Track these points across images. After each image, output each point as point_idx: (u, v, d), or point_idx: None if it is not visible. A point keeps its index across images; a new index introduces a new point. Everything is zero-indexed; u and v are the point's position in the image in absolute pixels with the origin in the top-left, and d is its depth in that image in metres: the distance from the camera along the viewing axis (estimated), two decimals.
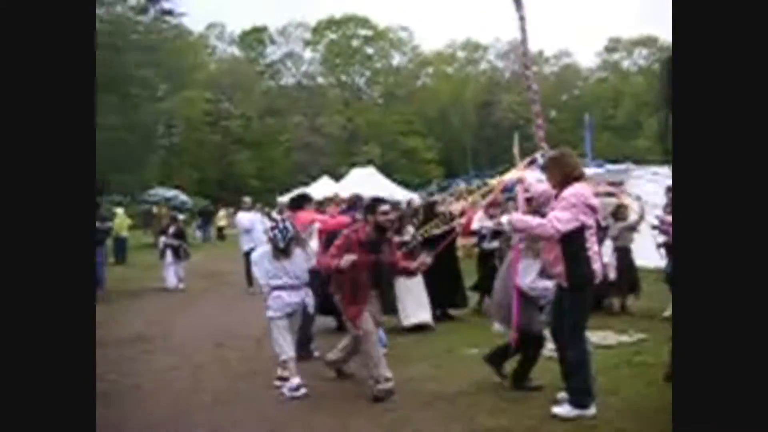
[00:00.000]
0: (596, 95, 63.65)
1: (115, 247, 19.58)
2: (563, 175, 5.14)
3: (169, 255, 14.24)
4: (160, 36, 53.43)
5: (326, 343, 7.33)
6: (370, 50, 66.26)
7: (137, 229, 25.91)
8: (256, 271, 6.55)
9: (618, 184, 12.26)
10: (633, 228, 9.54)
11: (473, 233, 10.23)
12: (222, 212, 31.77)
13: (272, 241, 6.23)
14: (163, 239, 14.79)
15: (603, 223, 8.02)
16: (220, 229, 30.59)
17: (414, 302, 8.66)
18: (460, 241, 12.48)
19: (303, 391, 6.00)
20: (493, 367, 6.04)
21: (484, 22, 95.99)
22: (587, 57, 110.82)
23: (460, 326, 9.06)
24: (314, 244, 7.62)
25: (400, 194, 24.50)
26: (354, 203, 9.56)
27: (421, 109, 61.82)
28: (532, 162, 6.21)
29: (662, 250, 8.72)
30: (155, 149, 52.87)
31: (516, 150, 6.26)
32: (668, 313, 8.40)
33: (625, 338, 7.70)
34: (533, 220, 5.08)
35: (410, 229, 9.12)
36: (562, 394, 5.26)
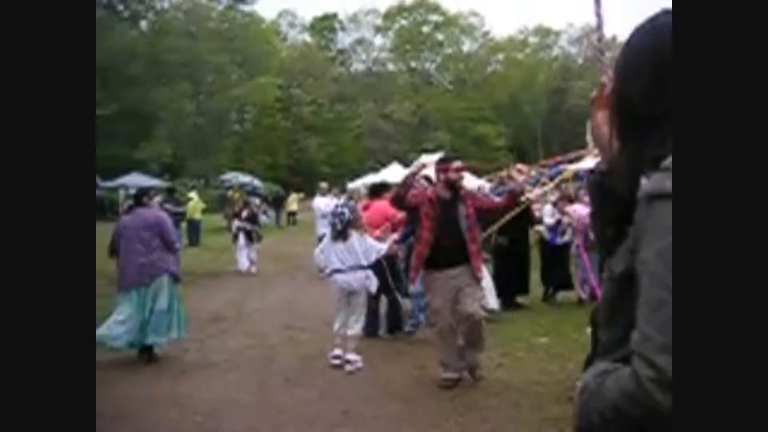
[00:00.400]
0: None
1: (189, 229, 20.13)
2: None
3: (241, 238, 14.54)
4: (234, 23, 54.67)
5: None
6: (440, 36, 65.77)
7: (211, 212, 26.54)
8: (318, 255, 6.81)
9: None
10: None
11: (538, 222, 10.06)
12: (293, 197, 32.13)
13: (332, 225, 6.55)
14: (236, 223, 15.13)
15: None
16: (291, 214, 30.96)
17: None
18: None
19: (351, 367, 6.39)
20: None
21: (556, 7, 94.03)
22: None
23: (527, 314, 9.00)
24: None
25: (470, 181, 24.28)
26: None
27: (492, 96, 61.07)
28: None
29: None
30: (228, 135, 54.22)
31: (589, 137, 6.14)
32: None
33: None
34: None
35: None
36: None
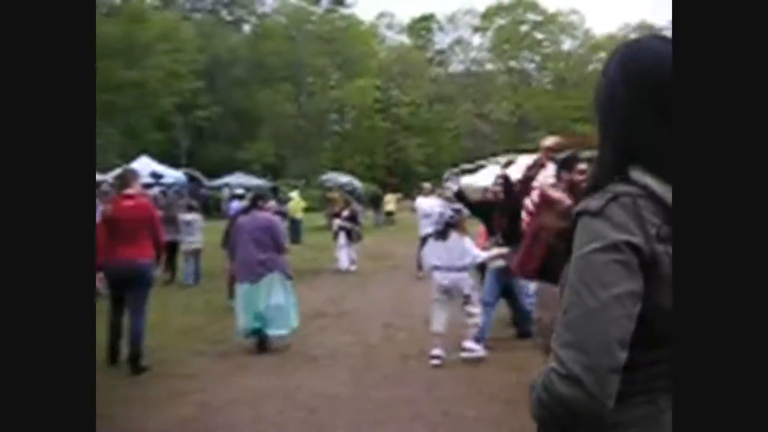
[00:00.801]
0: None
1: (290, 228, 20.60)
2: None
3: (342, 237, 14.79)
4: (333, 26, 55.62)
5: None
6: (539, 35, 64.69)
7: (312, 211, 27.06)
8: (424, 254, 6.99)
9: None
10: None
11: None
12: (389, 197, 32.27)
13: (436, 224, 6.88)
14: (337, 222, 15.42)
15: None
16: (388, 214, 31.13)
17: None
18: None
19: (435, 362, 6.56)
20: None
21: (659, 3, 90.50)
22: None
23: None
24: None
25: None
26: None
27: (593, 95, 59.45)
28: None
29: None
30: (328, 135, 55.27)
31: None
32: None
33: None
34: None
35: None
36: None
